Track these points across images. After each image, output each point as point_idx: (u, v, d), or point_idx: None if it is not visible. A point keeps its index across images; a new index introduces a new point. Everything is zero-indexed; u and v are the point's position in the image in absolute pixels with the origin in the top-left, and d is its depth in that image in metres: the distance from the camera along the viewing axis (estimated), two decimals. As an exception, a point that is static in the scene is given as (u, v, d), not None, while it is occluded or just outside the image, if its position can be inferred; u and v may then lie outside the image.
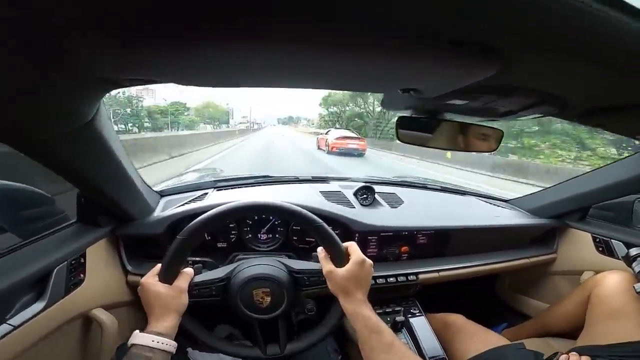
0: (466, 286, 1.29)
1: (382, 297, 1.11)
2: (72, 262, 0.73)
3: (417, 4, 0.28)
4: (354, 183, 1.34)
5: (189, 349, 0.84)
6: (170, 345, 0.59)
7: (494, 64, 0.38)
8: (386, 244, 1.11)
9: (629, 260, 0.96)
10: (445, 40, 0.34)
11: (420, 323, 1.05)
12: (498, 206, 1.41)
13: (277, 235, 1.08)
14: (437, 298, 1.20)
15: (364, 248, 1.08)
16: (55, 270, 0.69)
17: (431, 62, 0.39)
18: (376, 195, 1.25)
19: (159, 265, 0.67)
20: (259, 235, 1.07)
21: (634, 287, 0.87)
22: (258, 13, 0.28)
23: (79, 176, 0.68)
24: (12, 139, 0.51)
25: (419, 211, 1.24)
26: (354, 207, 1.18)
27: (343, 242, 0.71)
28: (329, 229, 0.70)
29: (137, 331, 0.60)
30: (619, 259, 1.12)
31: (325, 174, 1.49)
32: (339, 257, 0.69)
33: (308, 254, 1.03)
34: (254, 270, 0.72)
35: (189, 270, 0.69)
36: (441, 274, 1.11)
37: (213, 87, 0.53)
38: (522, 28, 0.31)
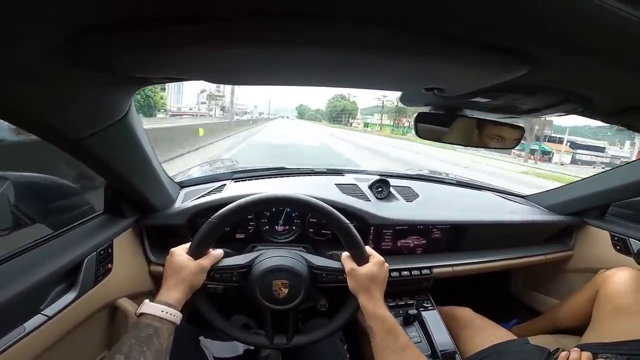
0: (479, 281, 1.29)
1: (395, 290, 1.11)
2: (101, 252, 0.76)
3: (447, 9, 0.28)
4: (369, 176, 1.34)
5: (201, 337, 0.85)
6: (177, 316, 0.60)
7: (522, 65, 0.38)
8: (401, 237, 1.12)
9: (639, 257, 0.96)
10: (473, 43, 0.34)
11: (432, 317, 1.05)
12: (515, 202, 1.40)
13: (293, 227, 1.10)
14: (449, 292, 1.20)
15: (379, 241, 1.09)
16: (86, 260, 0.71)
17: (459, 63, 0.39)
18: (391, 189, 1.25)
19: (190, 243, 0.70)
20: (276, 227, 1.09)
21: None
22: (294, 16, 0.29)
23: (109, 169, 0.70)
24: (53, 138, 0.54)
25: (434, 205, 1.24)
26: (370, 200, 1.18)
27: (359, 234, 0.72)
28: (354, 230, 0.71)
29: (147, 300, 0.60)
30: None
31: (340, 167, 1.50)
32: (361, 258, 0.71)
33: (323, 246, 1.05)
34: (275, 261, 0.73)
35: (217, 253, 0.72)
36: (455, 269, 1.11)
37: (241, 85, 0.56)
38: (551, 30, 0.31)
